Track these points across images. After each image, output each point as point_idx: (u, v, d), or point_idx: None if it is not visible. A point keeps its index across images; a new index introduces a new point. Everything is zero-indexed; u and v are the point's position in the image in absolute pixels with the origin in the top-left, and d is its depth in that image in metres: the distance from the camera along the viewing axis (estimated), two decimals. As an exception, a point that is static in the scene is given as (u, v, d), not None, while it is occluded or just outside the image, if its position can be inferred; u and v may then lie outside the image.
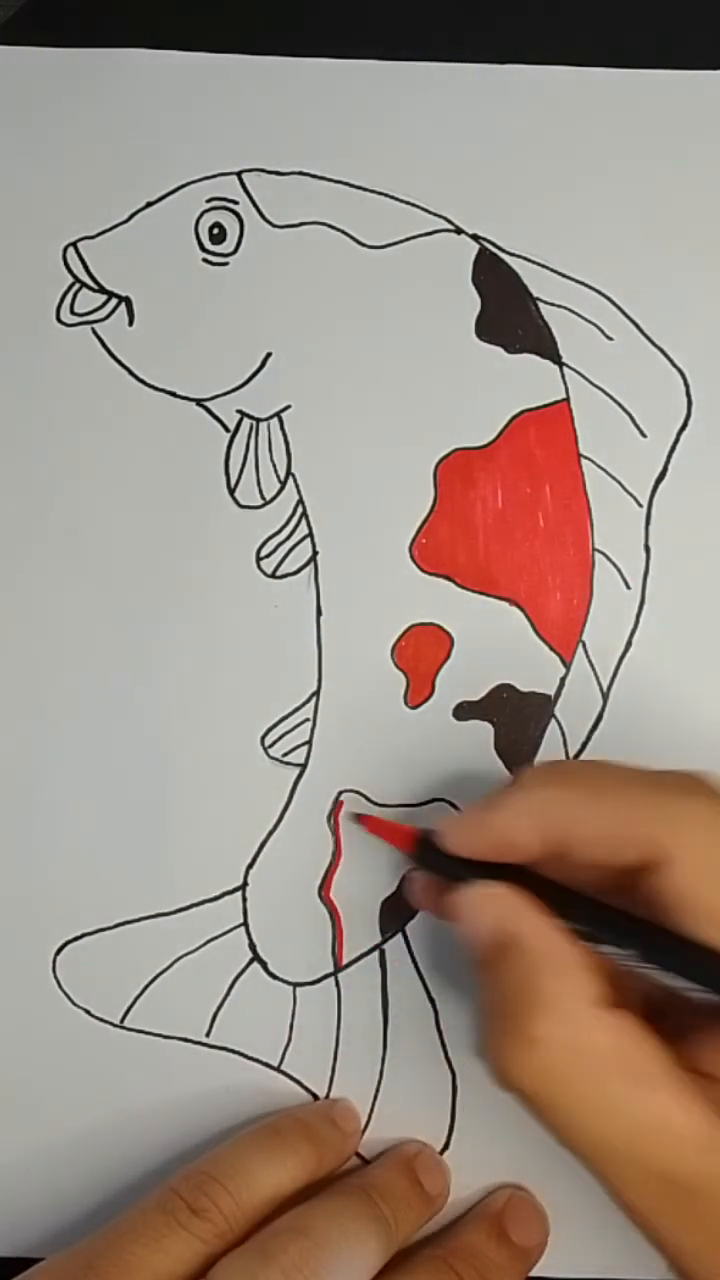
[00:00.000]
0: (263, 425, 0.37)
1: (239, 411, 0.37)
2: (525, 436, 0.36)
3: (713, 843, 0.27)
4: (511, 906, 0.28)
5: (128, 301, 0.37)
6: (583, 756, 0.35)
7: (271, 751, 0.35)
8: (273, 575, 0.36)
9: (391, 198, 0.37)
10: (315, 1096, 0.35)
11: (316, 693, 0.36)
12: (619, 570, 0.36)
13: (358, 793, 0.35)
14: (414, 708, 0.35)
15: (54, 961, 0.35)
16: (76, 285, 0.37)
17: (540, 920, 0.28)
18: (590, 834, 0.28)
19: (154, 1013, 0.35)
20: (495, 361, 0.37)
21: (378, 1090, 0.35)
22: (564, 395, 0.36)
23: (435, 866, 0.31)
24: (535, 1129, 0.27)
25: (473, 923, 0.29)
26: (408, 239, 0.37)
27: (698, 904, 0.26)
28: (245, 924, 0.35)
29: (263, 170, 0.37)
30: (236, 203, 0.37)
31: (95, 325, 0.37)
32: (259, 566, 0.36)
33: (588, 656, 0.35)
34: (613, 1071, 0.26)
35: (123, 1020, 0.35)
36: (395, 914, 0.35)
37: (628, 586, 0.36)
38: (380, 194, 0.37)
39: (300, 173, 0.37)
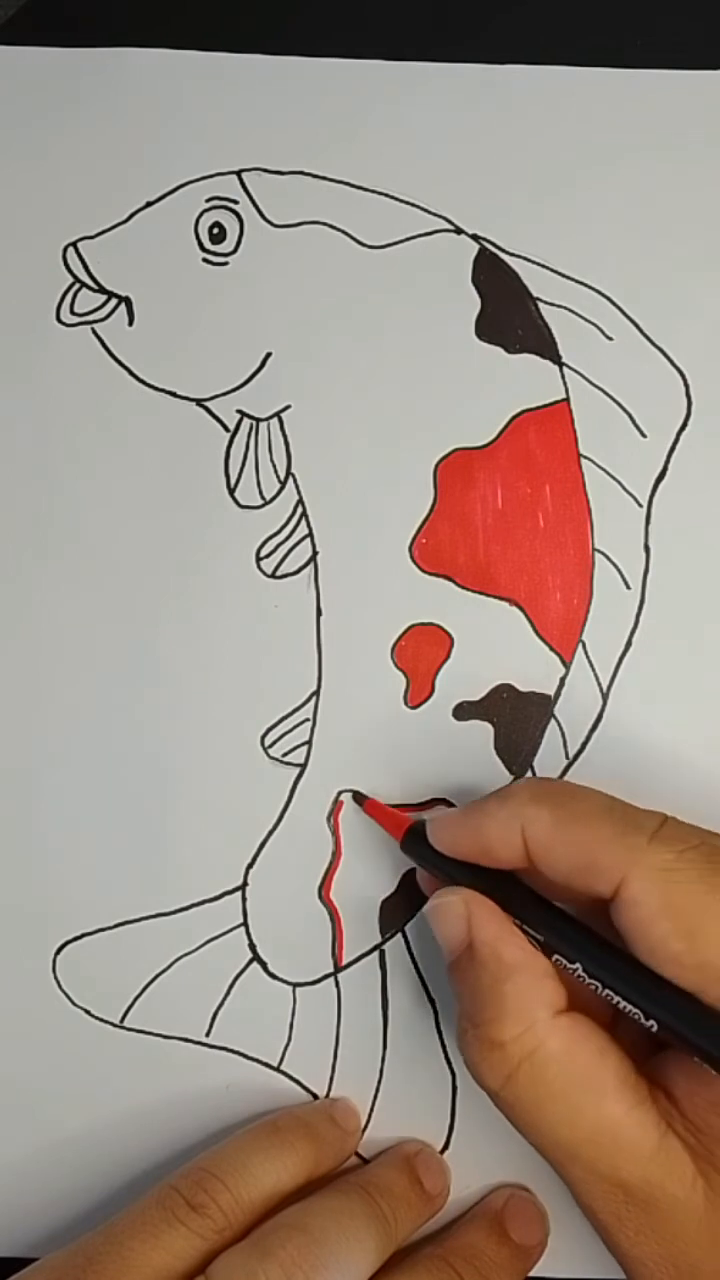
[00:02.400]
0: (263, 425, 0.37)
1: (239, 411, 0.37)
2: (525, 436, 0.36)
3: (669, 887, 0.27)
4: (476, 913, 0.29)
5: (128, 301, 0.37)
6: (583, 756, 0.35)
7: (271, 751, 0.35)
8: (273, 575, 0.36)
9: (391, 198, 0.37)
10: (315, 1096, 0.35)
11: (316, 693, 0.36)
12: (619, 570, 0.36)
13: (358, 793, 0.35)
14: (414, 708, 0.35)
15: (54, 961, 0.35)
16: (76, 285, 0.37)
17: (502, 928, 0.29)
18: (558, 858, 0.28)
19: (154, 1013, 0.35)
20: (495, 361, 0.37)
21: (378, 1090, 0.35)
22: (564, 395, 0.36)
23: (422, 858, 0.32)
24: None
25: (439, 927, 0.30)
26: (408, 239, 0.37)
27: (653, 944, 0.27)
28: (245, 924, 0.35)
29: (263, 170, 0.37)
30: (236, 202, 0.37)
31: (95, 325, 0.37)
32: (259, 566, 0.36)
33: (588, 656, 0.35)
34: (569, 1077, 0.28)
35: (122, 1020, 0.35)
36: (395, 914, 0.35)
37: (628, 586, 0.36)
38: (380, 194, 0.37)
39: (300, 173, 0.37)
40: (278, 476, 0.36)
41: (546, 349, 0.37)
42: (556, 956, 0.29)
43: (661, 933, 0.27)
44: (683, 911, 0.27)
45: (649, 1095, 0.28)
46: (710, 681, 0.35)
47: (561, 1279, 0.34)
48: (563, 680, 0.35)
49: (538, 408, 0.36)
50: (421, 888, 0.34)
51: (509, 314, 0.37)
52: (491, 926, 0.29)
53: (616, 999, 0.28)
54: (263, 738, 0.35)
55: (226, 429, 0.37)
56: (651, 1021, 0.27)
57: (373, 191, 0.37)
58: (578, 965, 0.28)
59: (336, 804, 0.35)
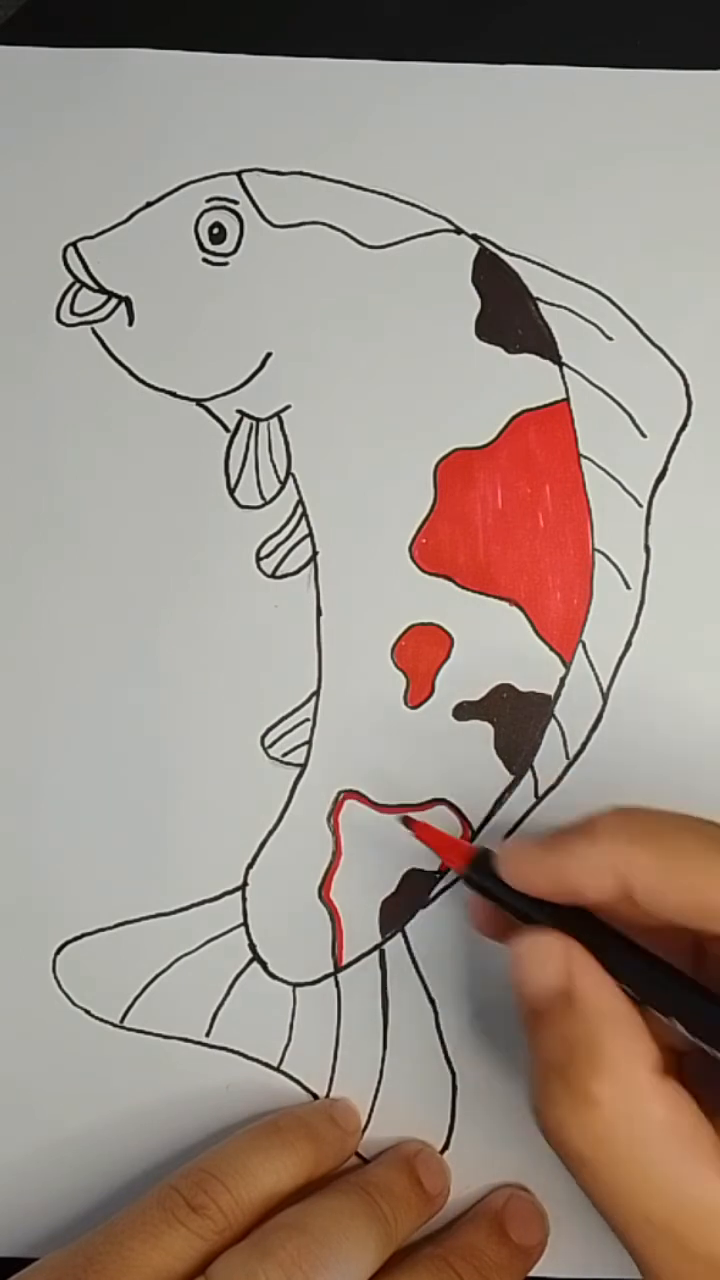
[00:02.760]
0: (263, 425, 0.37)
1: (239, 411, 0.37)
2: (525, 436, 0.36)
3: None
4: (574, 960, 0.27)
5: (128, 301, 0.37)
6: (583, 757, 0.35)
7: (271, 751, 0.35)
8: (273, 575, 0.36)
9: (391, 198, 0.37)
10: (315, 1096, 0.35)
11: (316, 693, 0.36)
12: (619, 570, 0.36)
13: (358, 793, 0.35)
14: (414, 708, 0.35)
15: (54, 961, 0.35)
16: (76, 285, 0.37)
17: (602, 977, 0.27)
18: (666, 902, 0.26)
19: (154, 1013, 0.35)
20: (495, 361, 0.37)
21: (378, 1090, 0.35)
22: (564, 395, 0.36)
23: (484, 889, 0.30)
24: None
25: (531, 973, 0.27)
26: (408, 239, 0.37)
27: None
28: (245, 924, 0.35)
29: (263, 170, 0.37)
30: (236, 203, 0.37)
31: (95, 325, 0.37)
32: (259, 566, 0.36)
33: (588, 656, 0.35)
34: (667, 1145, 0.25)
35: (122, 1020, 0.35)
36: (395, 914, 0.35)
37: (628, 586, 0.36)
38: (380, 194, 0.37)
39: (300, 173, 0.37)
40: (278, 476, 0.36)
41: (546, 349, 0.36)
42: (652, 1009, 0.27)
43: None
44: None
45: None
46: (710, 681, 0.35)
47: (561, 1279, 0.33)
48: (563, 680, 0.35)
49: (538, 408, 0.36)
50: (471, 919, 0.32)
51: (509, 314, 0.37)
52: (594, 973, 0.27)
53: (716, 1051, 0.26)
54: (263, 738, 0.35)
55: (226, 429, 0.37)
56: None
57: (373, 191, 0.37)
58: (675, 1020, 0.26)
59: (336, 804, 0.35)
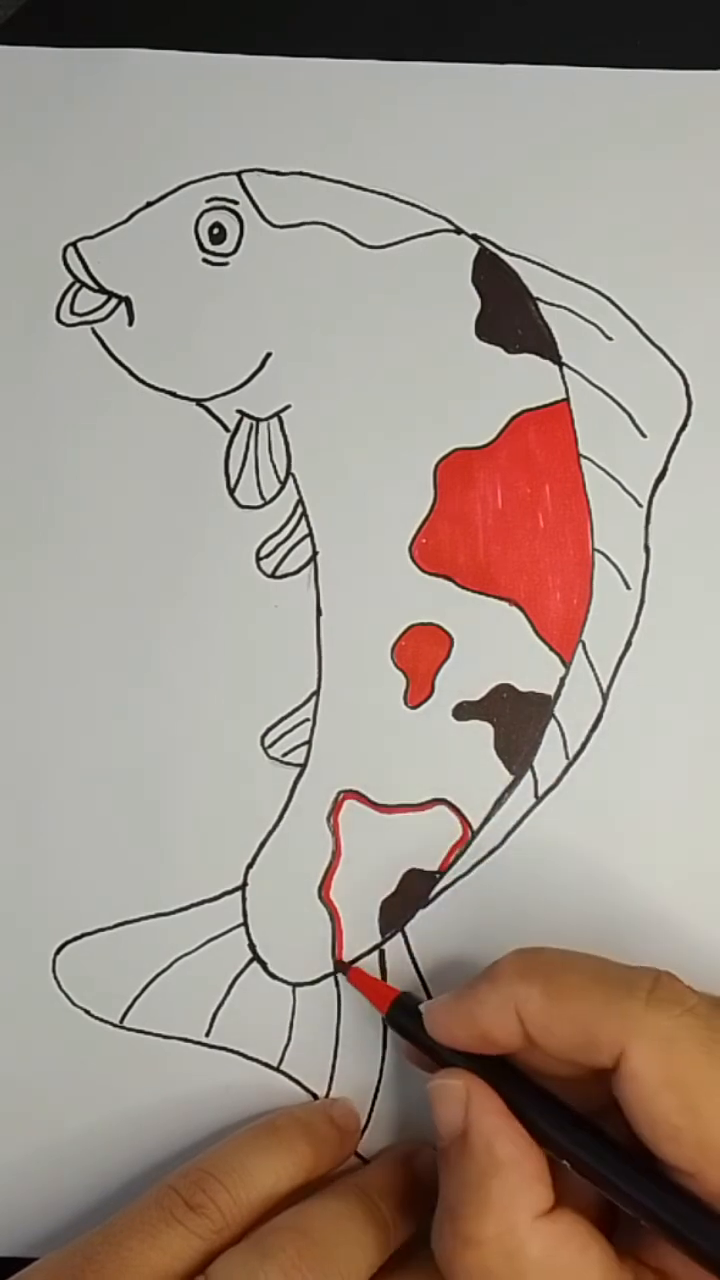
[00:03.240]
0: (263, 425, 0.37)
1: (239, 411, 0.37)
2: (525, 436, 0.36)
3: (670, 1058, 0.26)
4: (472, 1102, 0.29)
5: (128, 301, 0.37)
6: (583, 756, 0.35)
7: (271, 751, 0.35)
8: (273, 575, 0.36)
9: (391, 198, 0.37)
10: (315, 1096, 0.35)
11: (316, 693, 0.36)
12: (619, 570, 0.36)
13: (358, 793, 0.35)
14: (414, 708, 0.35)
15: (54, 961, 0.35)
16: (76, 285, 0.37)
17: (498, 1120, 0.28)
18: (555, 1036, 0.28)
19: (154, 1013, 0.35)
20: (495, 361, 0.37)
21: (378, 1090, 0.35)
22: (564, 395, 0.36)
23: (407, 1033, 0.32)
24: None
25: (438, 1110, 0.29)
26: (408, 239, 0.37)
27: (654, 1119, 0.26)
28: (245, 924, 0.35)
29: (263, 170, 0.37)
30: (236, 203, 0.37)
31: (95, 325, 0.37)
32: (259, 566, 0.36)
33: (587, 656, 0.35)
34: None
35: (122, 1020, 0.35)
36: (395, 914, 0.35)
37: (628, 586, 0.36)
38: (380, 194, 0.37)
39: (300, 173, 0.37)
40: (278, 476, 0.36)
41: (546, 349, 0.36)
42: (555, 1152, 0.28)
43: (664, 1108, 0.26)
44: (684, 1085, 0.26)
45: None
46: (710, 681, 0.35)
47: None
48: (563, 680, 0.35)
49: (538, 408, 0.36)
50: (409, 1059, 0.33)
51: (509, 314, 0.37)
52: (490, 1117, 0.28)
53: (611, 1197, 0.28)
54: (263, 738, 0.35)
55: (226, 429, 0.37)
56: (650, 1225, 0.27)
57: (373, 191, 0.37)
58: (565, 1162, 0.28)
59: (336, 804, 0.35)
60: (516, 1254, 0.27)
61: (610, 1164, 0.28)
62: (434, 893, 0.35)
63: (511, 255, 0.37)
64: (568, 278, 0.37)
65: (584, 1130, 0.28)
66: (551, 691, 0.35)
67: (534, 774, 0.35)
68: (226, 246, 0.37)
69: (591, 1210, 0.29)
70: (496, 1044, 0.29)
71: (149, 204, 0.37)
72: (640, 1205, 0.27)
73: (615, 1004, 0.27)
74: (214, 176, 0.37)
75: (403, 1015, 0.32)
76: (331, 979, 0.35)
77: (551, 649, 0.35)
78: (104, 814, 0.35)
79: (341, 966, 0.34)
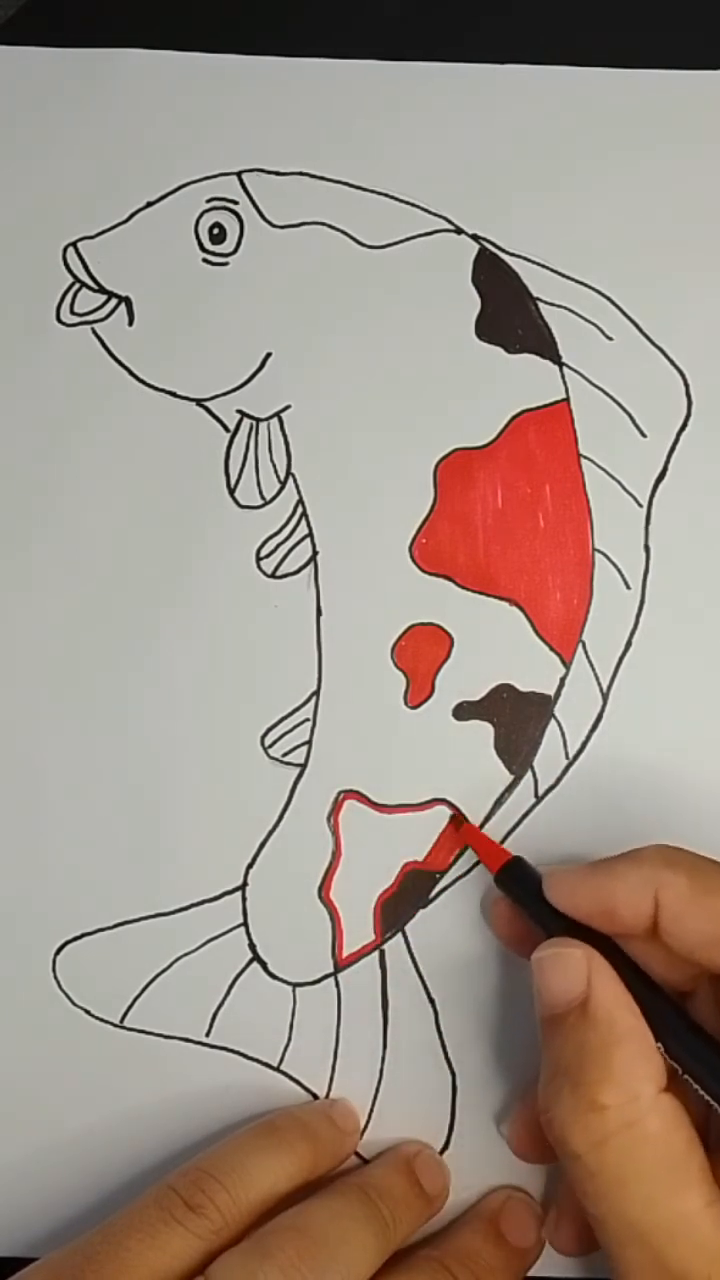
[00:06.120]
0: (263, 425, 0.37)
1: (239, 411, 0.37)
2: (525, 436, 0.36)
3: None
4: (594, 971, 0.29)
5: (128, 301, 0.37)
6: (583, 756, 0.35)
7: (271, 751, 0.35)
8: (273, 575, 0.36)
9: (391, 198, 0.37)
10: (315, 1096, 0.35)
11: (316, 693, 0.36)
12: (619, 570, 0.36)
13: (358, 793, 0.35)
14: (414, 708, 0.35)
15: (54, 961, 0.35)
16: (76, 285, 0.37)
17: (618, 990, 0.29)
18: (691, 928, 0.28)
19: (154, 1013, 0.35)
20: (495, 361, 0.37)
21: (378, 1090, 0.35)
22: (564, 395, 0.36)
23: (517, 896, 0.32)
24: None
25: (553, 979, 0.29)
26: (408, 239, 0.37)
27: None
28: (245, 924, 0.35)
29: (263, 170, 0.37)
30: (236, 203, 0.37)
31: (95, 325, 0.37)
32: (259, 566, 0.36)
33: (588, 656, 0.35)
34: (658, 1158, 0.27)
35: (123, 1020, 0.35)
36: (395, 914, 0.35)
37: (628, 586, 0.36)
38: (380, 194, 0.37)
39: (300, 173, 0.37)
40: (278, 476, 0.36)
41: (546, 349, 0.36)
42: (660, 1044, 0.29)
43: None
44: None
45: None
46: (710, 681, 0.35)
47: (559, 1278, 0.33)
48: (563, 680, 0.35)
49: (538, 408, 0.36)
50: (494, 927, 0.34)
51: (509, 314, 0.37)
52: (612, 986, 0.29)
53: (699, 1088, 0.28)
54: (263, 738, 0.35)
55: (226, 429, 0.37)
56: None
57: (373, 191, 0.37)
58: (661, 1047, 0.28)
59: (336, 804, 0.35)
60: (636, 1124, 0.27)
61: (708, 1055, 0.28)
62: (434, 893, 0.35)
63: (511, 255, 0.37)
64: (568, 278, 0.37)
65: (683, 1019, 0.29)
66: (551, 691, 0.35)
67: (534, 774, 0.35)
68: (226, 246, 0.37)
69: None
70: (620, 922, 0.29)
71: (149, 204, 0.37)
72: None
73: None
74: (214, 176, 0.37)
75: (514, 878, 0.32)
76: (331, 979, 0.35)
77: (551, 649, 0.35)
78: (104, 814, 0.35)
79: (456, 820, 0.35)
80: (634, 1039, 0.28)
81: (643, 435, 0.36)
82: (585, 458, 0.36)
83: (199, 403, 0.37)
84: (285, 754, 0.35)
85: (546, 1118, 0.28)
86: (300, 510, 0.36)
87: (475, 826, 0.34)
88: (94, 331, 0.37)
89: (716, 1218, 0.27)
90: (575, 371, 0.36)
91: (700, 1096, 0.28)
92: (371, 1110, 0.34)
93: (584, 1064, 0.28)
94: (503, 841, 0.35)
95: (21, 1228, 0.34)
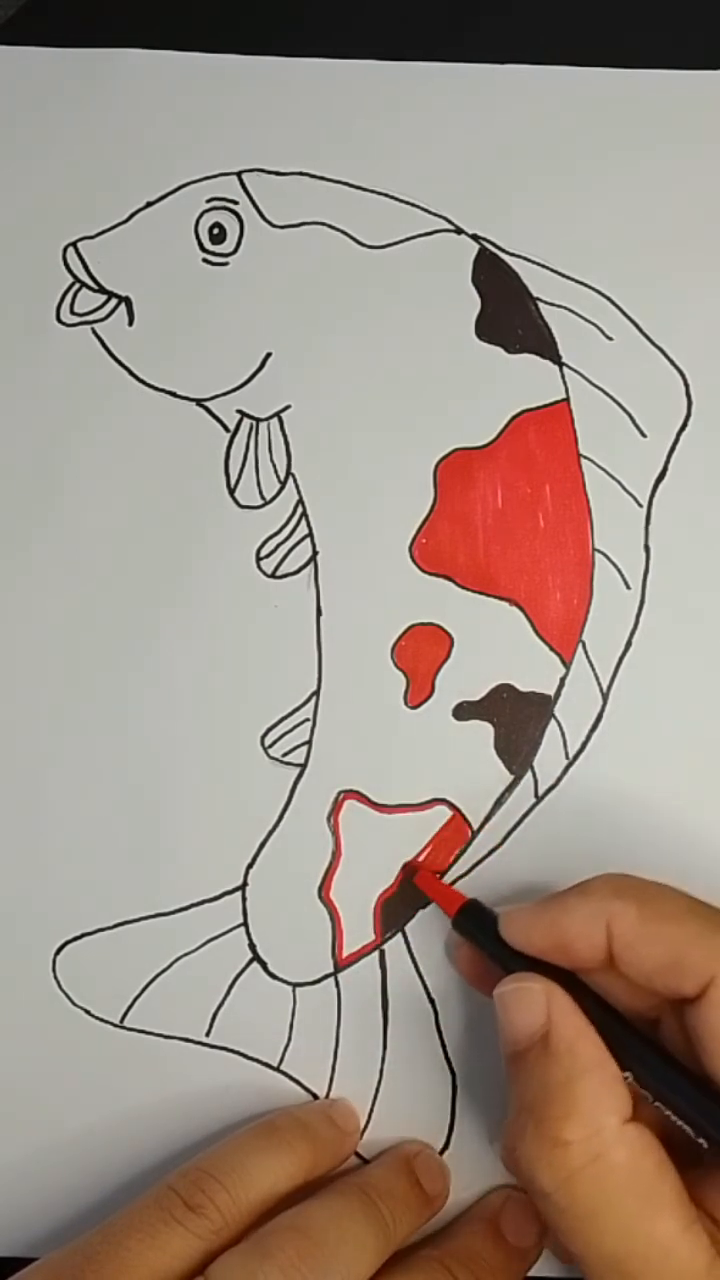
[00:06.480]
0: (263, 425, 0.37)
1: (239, 411, 0.37)
2: (525, 436, 0.36)
3: None
4: (554, 1005, 0.29)
5: (128, 301, 0.37)
6: (583, 756, 0.35)
7: (271, 751, 0.35)
8: (273, 575, 0.36)
9: (391, 198, 0.37)
10: (315, 1096, 0.35)
11: (316, 693, 0.36)
12: (619, 570, 0.36)
13: (358, 793, 0.35)
14: (414, 708, 0.35)
15: (54, 961, 0.35)
16: (76, 285, 0.37)
17: (579, 1023, 0.29)
18: (644, 955, 0.28)
19: (154, 1013, 0.35)
20: (495, 361, 0.37)
21: (378, 1090, 0.35)
22: (564, 395, 0.36)
23: (475, 938, 0.32)
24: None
25: (513, 1014, 0.29)
26: (408, 239, 0.37)
27: None
28: (245, 924, 0.35)
29: (263, 170, 0.37)
30: (236, 203, 0.37)
31: (95, 325, 0.37)
32: (259, 566, 0.36)
33: (588, 656, 0.35)
34: (626, 1188, 0.27)
35: (123, 1020, 0.35)
36: (395, 914, 0.35)
37: (628, 586, 0.36)
38: (380, 194, 0.37)
39: (300, 173, 0.37)
40: (278, 476, 0.36)
41: (546, 349, 0.36)
42: (626, 1072, 0.29)
43: None
44: None
45: (697, 1216, 0.27)
46: (710, 681, 0.35)
47: (559, 1278, 0.33)
48: (563, 680, 0.35)
49: (538, 408, 0.36)
50: (459, 968, 0.34)
51: (509, 314, 0.37)
52: (572, 1019, 0.29)
53: (670, 1113, 0.28)
54: (263, 738, 0.35)
55: (226, 429, 0.37)
56: (703, 1140, 0.28)
57: (373, 191, 0.37)
58: (629, 1074, 0.28)
59: (336, 804, 0.35)
60: (603, 1156, 0.27)
61: (677, 1080, 0.28)
62: (434, 893, 0.35)
63: (511, 255, 0.37)
64: (568, 278, 0.37)
65: (649, 1045, 0.29)
66: (551, 691, 0.35)
67: (534, 774, 0.35)
68: (226, 246, 0.37)
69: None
70: (575, 956, 0.29)
71: (149, 204, 0.37)
72: (707, 1119, 0.28)
73: (709, 934, 0.28)
74: (214, 176, 0.37)
75: (471, 920, 0.32)
76: (331, 979, 0.35)
77: (551, 649, 0.35)
78: (104, 814, 0.35)
79: (410, 871, 0.35)
80: (596, 1070, 0.28)
81: (643, 435, 0.36)
82: (585, 458, 0.36)
83: (199, 403, 0.37)
84: (285, 754, 0.35)
85: (513, 1157, 0.28)
86: (300, 510, 0.36)
87: (430, 874, 0.34)
88: (94, 331, 0.37)
89: (694, 1241, 0.27)
90: (575, 371, 0.36)
91: (670, 1121, 0.28)
92: (371, 1110, 0.34)
93: (547, 1100, 0.28)
94: (503, 841, 0.35)
95: (21, 1228, 0.34)
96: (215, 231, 0.37)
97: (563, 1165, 0.27)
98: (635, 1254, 0.27)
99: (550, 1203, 0.28)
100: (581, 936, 0.29)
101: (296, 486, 0.36)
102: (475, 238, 0.37)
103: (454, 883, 0.35)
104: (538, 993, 0.29)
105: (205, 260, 0.37)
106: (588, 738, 0.35)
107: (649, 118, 0.37)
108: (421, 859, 0.35)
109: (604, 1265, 0.27)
